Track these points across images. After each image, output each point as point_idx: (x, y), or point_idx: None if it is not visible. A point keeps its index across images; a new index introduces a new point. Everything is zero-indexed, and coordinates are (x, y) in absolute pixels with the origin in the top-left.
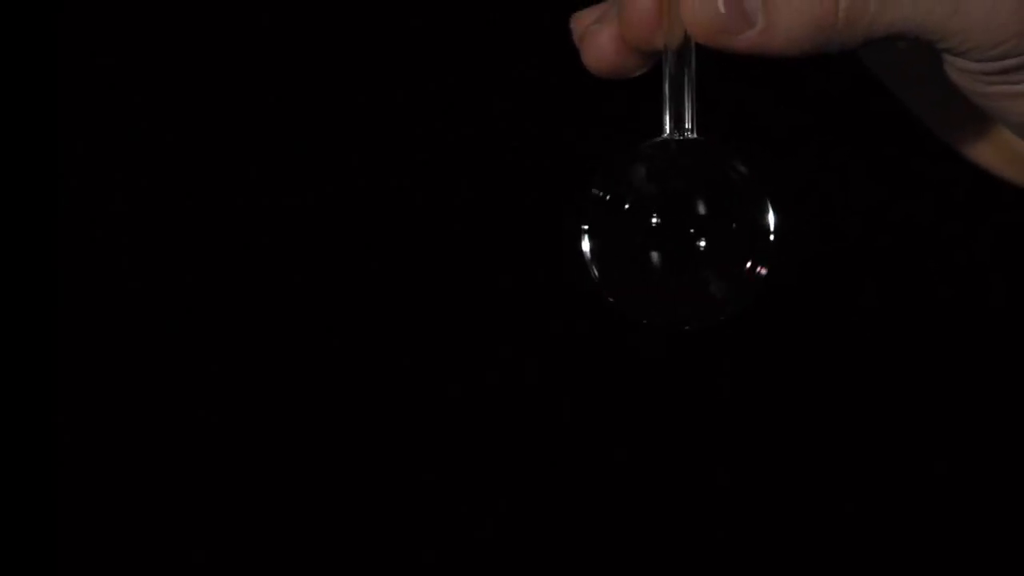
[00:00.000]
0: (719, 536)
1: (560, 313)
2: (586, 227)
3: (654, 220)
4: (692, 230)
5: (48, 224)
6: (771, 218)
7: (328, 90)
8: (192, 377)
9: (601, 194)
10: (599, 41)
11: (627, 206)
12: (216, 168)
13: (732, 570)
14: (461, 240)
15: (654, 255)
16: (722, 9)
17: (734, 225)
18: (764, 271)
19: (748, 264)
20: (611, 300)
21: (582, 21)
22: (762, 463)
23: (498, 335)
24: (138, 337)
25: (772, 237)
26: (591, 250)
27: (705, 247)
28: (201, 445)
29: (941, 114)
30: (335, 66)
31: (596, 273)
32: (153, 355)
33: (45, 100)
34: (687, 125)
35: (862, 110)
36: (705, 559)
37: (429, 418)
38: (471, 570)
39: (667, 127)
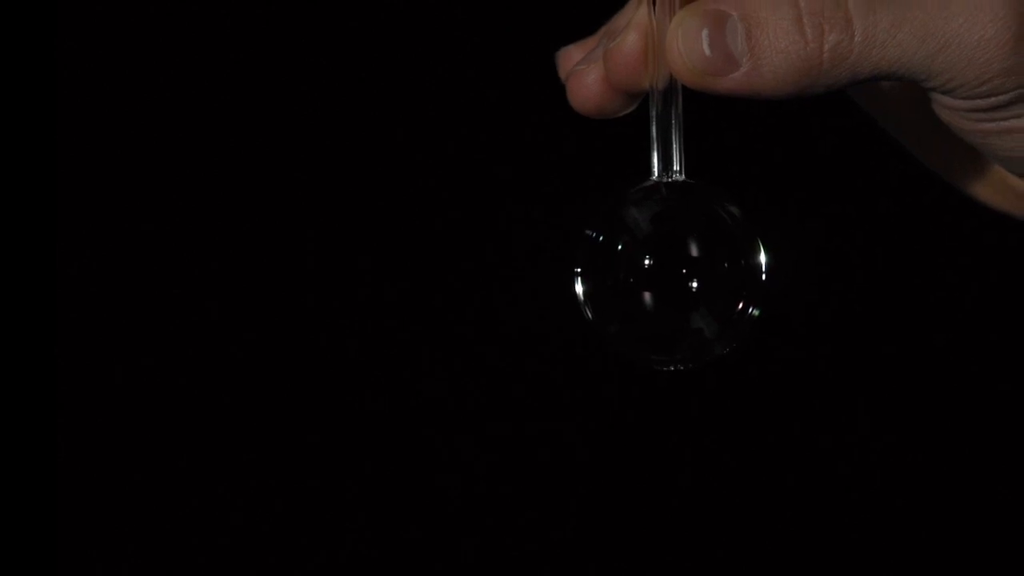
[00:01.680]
0: (722, 538)
1: (559, 313)
2: (579, 270)
3: (646, 262)
4: (684, 271)
5: (48, 224)
6: (762, 258)
7: (328, 90)
8: (192, 377)
9: (594, 236)
10: (585, 82)
11: (619, 248)
12: (216, 168)
13: (732, 570)
14: (461, 240)
15: (646, 296)
16: (708, 52)
17: (725, 265)
18: (756, 311)
19: (740, 304)
20: (605, 340)
21: (568, 59)
22: (761, 464)
23: (496, 336)
24: (138, 337)
25: (764, 277)
26: (584, 292)
27: (697, 288)
28: (201, 445)
29: (932, 149)
30: (335, 66)
31: (590, 314)
32: (153, 355)
33: (45, 100)
34: (675, 167)
35: (849, 145)
36: (705, 559)
37: (429, 418)
38: (471, 570)
39: (655, 169)
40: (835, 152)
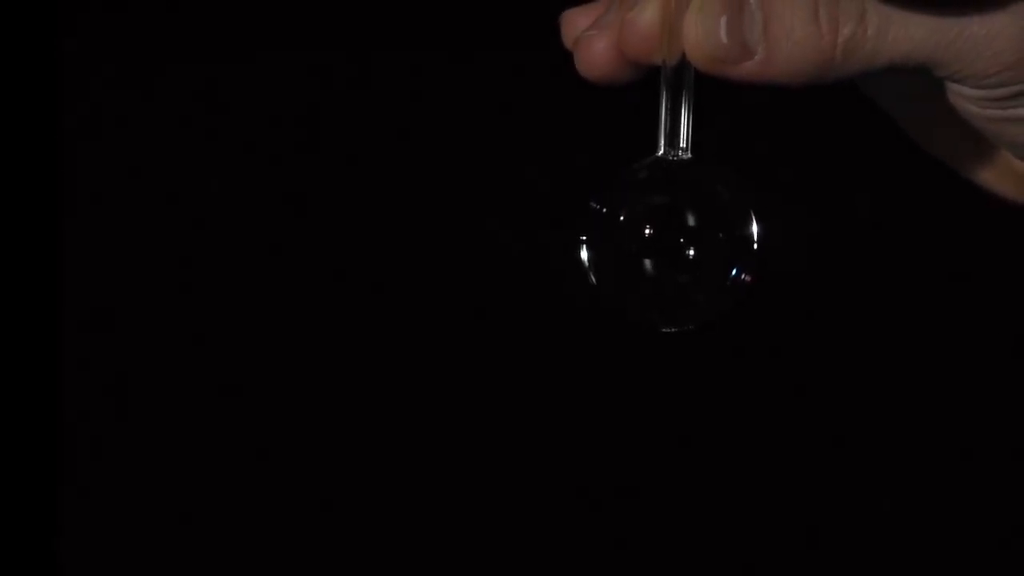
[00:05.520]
0: (723, 541)
1: (557, 313)
2: (584, 238)
3: (646, 232)
4: (681, 240)
5: (48, 224)
6: (755, 230)
7: (327, 90)
8: (192, 377)
9: (598, 208)
10: (595, 49)
11: (622, 219)
12: (216, 168)
13: (732, 570)
14: (460, 239)
15: (646, 263)
16: (724, 39)
17: (720, 236)
18: (748, 278)
19: (732, 272)
20: (606, 303)
21: (574, 23)
22: (759, 464)
23: (495, 336)
24: (138, 337)
25: (756, 247)
26: (588, 259)
27: (693, 256)
28: (202, 445)
29: (937, 133)
30: (334, 65)
31: (593, 279)
32: (153, 355)
33: (45, 100)
34: (681, 144)
35: (855, 131)
36: (706, 560)
37: (428, 418)
38: (471, 570)
39: (661, 144)
40: (841, 139)
